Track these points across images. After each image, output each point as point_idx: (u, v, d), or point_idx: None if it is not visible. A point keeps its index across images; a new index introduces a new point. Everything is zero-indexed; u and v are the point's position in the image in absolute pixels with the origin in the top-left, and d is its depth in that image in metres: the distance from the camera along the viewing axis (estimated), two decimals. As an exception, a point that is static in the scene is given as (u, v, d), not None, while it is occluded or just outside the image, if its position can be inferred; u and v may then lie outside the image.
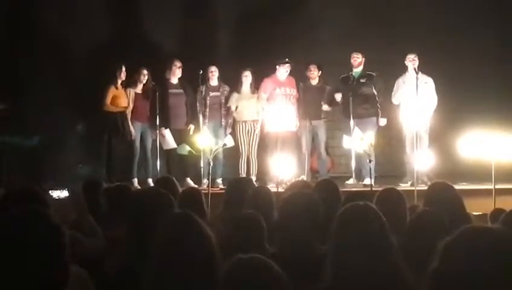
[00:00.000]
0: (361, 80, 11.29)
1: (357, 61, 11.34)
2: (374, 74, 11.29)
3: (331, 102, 11.48)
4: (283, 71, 11.40)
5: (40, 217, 2.60)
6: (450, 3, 12.70)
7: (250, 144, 11.46)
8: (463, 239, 2.48)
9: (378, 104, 11.23)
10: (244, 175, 11.14)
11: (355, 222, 3.26)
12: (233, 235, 4.25)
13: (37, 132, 11.74)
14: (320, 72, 11.54)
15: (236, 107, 11.44)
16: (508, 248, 2.43)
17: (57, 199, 7.59)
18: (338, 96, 11.33)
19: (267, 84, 11.47)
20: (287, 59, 11.40)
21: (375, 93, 11.23)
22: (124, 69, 11.17)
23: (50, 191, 7.74)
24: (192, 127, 11.37)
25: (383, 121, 11.22)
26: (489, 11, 12.84)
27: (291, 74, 11.48)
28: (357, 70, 11.36)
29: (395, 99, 11.14)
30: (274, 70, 11.49)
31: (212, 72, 11.43)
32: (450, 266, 2.44)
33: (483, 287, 2.37)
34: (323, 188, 5.42)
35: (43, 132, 12.00)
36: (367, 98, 11.21)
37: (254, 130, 11.47)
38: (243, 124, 11.45)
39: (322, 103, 11.43)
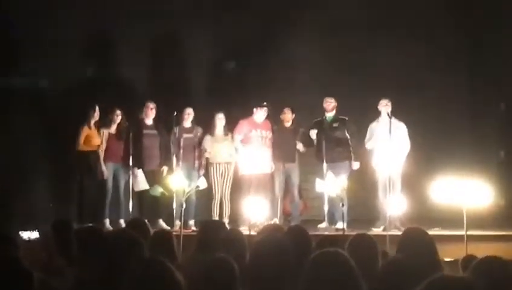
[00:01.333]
0: (334, 124, 11.34)
1: (330, 105, 11.40)
2: (346, 118, 11.35)
3: (305, 143, 11.51)
4: (261, 114, 11.44)
5: (12, 262, 2.57)
6: (421, 50, 12.82)
7: (224, 186, 11.44)
8: (434, 288, 2.48)
9: (351, 148, 11.28)
10: (217, 217, 11.11)
11: (326, 268, 3.25)
12: (205, 278, 4.21)
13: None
14: (293, 115, 11.59)
15: (210, 149, 11.43)
16: None
17: (27, 241, 7.49)
18: (313, 133, 11.35)
19: (242, 126, 11.50)
20: (265, 103, 11.44)
21: (348, 137, 11.28)
22: (97, 108, 11.16)
23: (20, 232, 7.64)
24: (165, 168, 11.34)
25: (356, 165, 11.25)
26: (461, 56, 12.99)
27: (266, 116, 11.50)
28: (330, 114, 11.42)
29: (368, 145, 11.19)
30: (248, 113, 11.53)
31: (188, 114, 11.44)
32: None
33: None
34: (294, 234, 5.40)
35: (13, 172, 11.90)
36: (340, 142, 11.26)
37: (228, 172, 11.46)
38: (217, 165, 11.43)
39: (297, 142, 11.46)
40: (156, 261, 3.21)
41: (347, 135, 11.29)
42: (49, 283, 4.31)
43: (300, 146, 11.53)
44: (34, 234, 7.68)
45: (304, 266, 3.34)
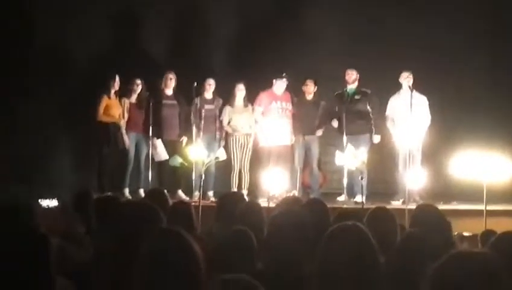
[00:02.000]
0: (356, 97, 11.28)
1: (352, 77, 11.34)
2: (368, 91, 11.29)
3: (325, 119, 11.46)
4: (280, 85, 11.39)
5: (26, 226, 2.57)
6: (444, 23, 12.71)
7: (243, 157, 11.44)
8: (452, 264, 2.47)
9: (372, 121, 11.23)
10: (235, 189, 11.12)
11: (343, 242, 3.24)
12: (223, 250, 4.23)
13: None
14: (316, 87, 11.54)
15: (229, 122, 11.41)
16: (496, 274, 2.42)
17: (46, 208, 7.55)
18: (335, 123, 11.32)
19: (262, 97, 11.46)
20: (284, 74, 11.39)
21: (370, 110, 11.22)
22: (117, 79, 11.15)
23: (39, 200, 7.71)
24: (185, 139, 11.34)
25: (376, 138, 11.21)
26: (483, 30, 12.86)
27: (286, 88, 11.47)
28: (352, 86, 11.36)
29: (388, 123, 11.13)
30: (268, 85, 11.49)
31: (209, 84, 11.41)
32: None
33: None
34: (312, 207, 5.40)
35: (35, 140, 11.96)
36: (361, 115, 11.21)
37: (247, 144, 11.45)
38: (236, 137, 11.42)
39: (317, 126, 11.40)
40: (173, 232, 3.21)
41: (368, 108, 11.23)
42: (68, 250, 4.34)
43: (319, 132, 11.47)
44: (53, 202, 7.75)
45: (322, 239, 3.33)
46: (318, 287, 3.16)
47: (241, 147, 11.43)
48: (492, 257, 2.51)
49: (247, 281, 2.55)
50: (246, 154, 11.45)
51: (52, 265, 2.56)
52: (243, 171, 11.44)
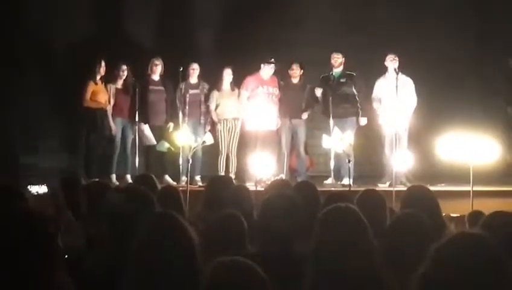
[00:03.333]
0: (342, 80, 11.30)
1: (338, 61, 11.35)
2: (354, 74, 11.31)
3: (311, 102, 11.48)
4: (267, 70, 11.39)
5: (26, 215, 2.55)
6: (430, 4, 12.75)
7: (230, 141, 11.44)
8: (454, 245, 2.49)
9: (358, 104, 11.25)
10: (223, 173, 11.12)
11: (337, 223, 3.26)
12: (214, 234, 4.24)
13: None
14: (302, 71, 11.54)
15: (217, 106, 11.41)
16: (498, 255, 2.45)
17: (35, 195, 7.54)
18: (318, 92, 11.32)
19: (249, 82, 11.46)
20: (272, 59, 11.38)
21: (356, 93, 11.25)
22: (103, 64, 11.11)
23: (28, 187, 7.69)
24: (171, 124, 11.33)
25: (363, 121, 11.24)
26: (469, 11, 12.90)
27: (273, 72, 11.47)
28: (337, 70, 11.37)
29: (374, 104, 11.15)
30: (255, 69, 11.48)
31: (193, 69, 11.39)
32: (440, 271, 2.45)
33: None
34: (302, 189, 5.42)
35: (21, 127, 11.93)
36: (347, 98, 11.23)
37: (235, 128, 11.44)
38: (224, 122, 11.41)
39: (303, 109, 11.40)
40: (168, 215, 3.21)
41: (354, 90, 11.26)
42: (58, 237, 4.34)
43: (305, 115, 11.47)
44: (42, 189, 7.74)
45: (314, 221, 3.35)
46: (314, 269, 3.19)
47: (228, 131, 11.43)
48: (493, 239, 2.54)
49: (245, 263, 2.56)
50: (233, 138, 11.45)
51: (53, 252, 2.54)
52: (230, 155, 11.44)
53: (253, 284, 2.51)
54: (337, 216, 3.30)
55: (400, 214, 4.45)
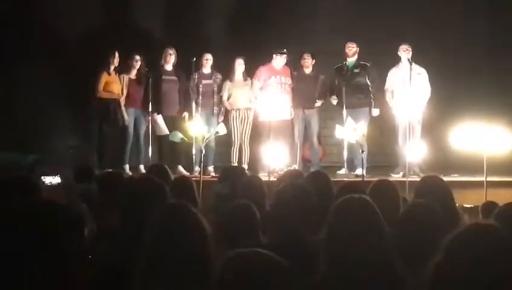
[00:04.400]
0: (355, 70, 11.26)
1: (352, 50, 11.31)
2: (368, 64, 11.27)
3: (324, 92, 11.46)
4: (280, 61, 11.37)
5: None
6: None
7: (243, 132, 11.44)
8: (469, 236, 2.49)
9: (371, 95, 11.23)
10: (235, 163, 11.13)
11: (350, 214, 3.26)
12: (227, 225, 4.25)
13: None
14: (314, 60, 11.51)
15: (229, 97, 11.41)
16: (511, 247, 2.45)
17: (49, 185, 7.56)
18: (334, 101, 11.32)
19: (261, 72, 11.45)
20: (285, 50, 11.36)
21: (369, 83, 11.22)
22: (116, 55, 11.12)
23: (42, 177, 7.71)
24: (186, 114, 11.32)
25: (375, 112, 11.21)
26: (482, 2, 12.84)
27: (285, 62, 11.45)
28: (351, 60, 11.34)
29: (387, 96, 11.11)
30: (267, 59, 11.47)
31: (206, 59, 11.39)
32: (454, 261, 2.45)
33: (486, 285, 2.38)
34: (315, 180, 5.42)
35: (34, 119, 11.95)
36: (360, 88, 11.20)
37: (247, 118, 11.44)
38: (236, 112, 11.41)
39: (316, 98, 11.39)
40: (181, 206, 3.19)
41: (368, 81, 11.22)
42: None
43: (318, 103, 11.46)
44: (55, 179, 7.76)
45: (328, 211, 3.35)
46: (327, 259, 3.19)
47: (241, 121, 11.43)
48: (505, 229, 2.53)
49: (263, 254, 2.47)
50: (246, 128, 11.45)
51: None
52: (243, 145, 11.44)
53: (274, 274, 2.41)
54: (350, 207, 3.30)
55: (412, 203, 4.45)
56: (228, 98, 11.42)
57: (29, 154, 10.77)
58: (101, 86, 11.06)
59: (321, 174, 5.80)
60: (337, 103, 11.30)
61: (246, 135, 11.45)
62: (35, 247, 2.34)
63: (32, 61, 12.01)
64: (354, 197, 3.38)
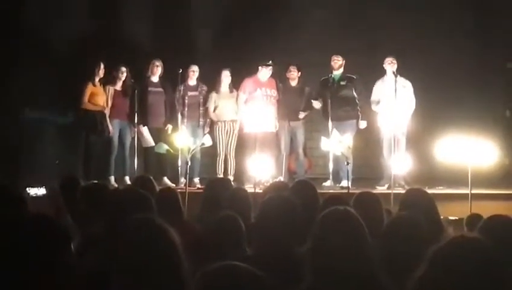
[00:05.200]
0: (342, 83, 11.29)
1: (338, 63, 11.33)
2: (355, 77, 11.30)
3: (309, 104, 11.48)
4: (265, 72, 11.39)
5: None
6: (429, 8, 12.76)
7: (229, 143, 11.45)
8: (452, 249, 2.50)
9: (358, 107, 11.25)
10: (221, 175, 11.14)
11: (336, 225, 3.26)
12: (212, 236, 4.25)
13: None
14: (299, 73, 11.54)
15: (215, 108, 11.42)
16: (495, 260, 2.46)
17: (34, 197, 7.54)
18: (316, 104, 11.33)
19: (247, 84, 11.46)
20: (270, 61, 11.38)
21: (356, 96, 11.25)
22: (102, 66, 11.11)
23: (27, 189, 7.69)
24: (170, 126, 11.33)
25: (363, 124, 11.23)
26: (469, 16, 12.91)
27: (271, 74, 11.47)
28: (337, 72, 11.36)
29: (373, 106, 11.14)
30: (253, 71, 11.49)
31: (193, 71, 11.40)
32: (438, 273, 2.46)
33: None
34: (301, 190, 5.43)
35: (19, 128, 11.92)
36: (347, 101, 11.22)
37: (233, 130, 11.45)
38: (222, 123, 11.43)
39: (313, 101, 11.40)
40: (146, 221, 3.15)
41: (354, 93, 11.26)
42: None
43: (302, 115, 11.47)
44: (41, 191, 7.74)
45: (313, 222, 3.35)
46: (312, 271, 3.19)
47: (226, 133, 11.44)
48: (488, 241, 2.55)
49: (240, 267, 2.44)
50: (231, 140, 11.46)
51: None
52: (228, 157, 11.45)
53: (250, 288, 2.40)
54: (336, 218, 3.30)
55: (397, 216, 4.46)
56: (214, 110, 11.43)
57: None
58: (86, 98, 11.05)
59: (307, 184, 5.81)
60: (323, 114, 11.32)
61: (232, 147, 11.46)
62: (25, 260, 2.34)
63: (19, 71, 11.99)
64: (339, 209, 3.38)
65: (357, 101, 11.25)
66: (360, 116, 11.22)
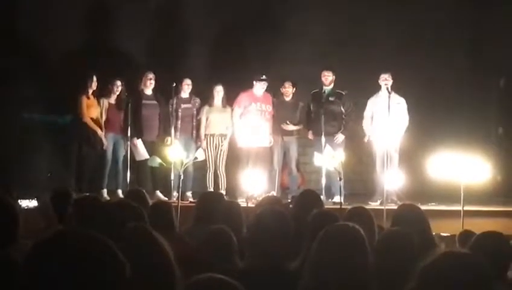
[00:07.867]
0: (331, 98, 11.29)
1: (328, 79, 11.35)
2: (343, 93, 11.31)
3: (303, 119, 11.49)
4: (260, 87, 11.39)
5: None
6: (423, 24, 12.81)
7: (217, 159, 11.41)
8: (442, 263, 2.50)
9: (343, 122, 11.27)
10: (212, 189, 11.12)
11: (338, 241, 3.26)
12: (203, 249, 4.25)
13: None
14: (294, 89, 11.55)
15: (206, 120, 11.41)
16: (485, 276, 2.46)
17: (25, 209, 7.53)
18: (311, 136, 11.39)
19: (242, 98, 11.46)
20: (264, 76, 11.39)
21: (343, 111, 11.28)
22: (95, 79, 11.06)
23: (19, 201, 7.67)
24: (169, 138, 11.25)
25: (340, 137, 11.22)
26: (462, 33, 12.96)
27: (266, 89, 11.47)
28: (328, 88, 11.37)
29: (364, 124, 11.17)
30: (247, 85, 11.50)
31: (186, 84, 11.39)
32: (428, 288, 2.46)
33: None
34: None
35: (11, 140, 11.90)
36: (334, 116, 11.24)
37: (221, 145, 11.43)
38: (211, 137, 11.41)
39: (287, 122, 11.40)
40: (141, 230, 3.15)
41: (342, 109, 11.29)
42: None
43: (291, 127, 11.46)
44: (32, 203, 7.72)
45: (316, 239, 3.35)
46: (309, 285, 3.19)
47: (215, 147, 11.42)
48: (482, 259, 2.55)
49: (221, 280, 2.40)
50: (220, 155, 11.43)
51: None
52: (218, 172, 11.43)
53: None
54: (338, 234, 3.30)
55: (388, 231, 4.47)
56: (206, 121, 11.43)
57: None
58: (84, 110, 11.00)
59: (312, 192, 5.80)
60: (316, 130, 11.30)
61: (220, 162, 11.42)
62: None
63: (12, 82, 11.98)
64: (342, 224, 3.38)
65: (343, 116, 11.28)
66: (342, 129, 11.23)
